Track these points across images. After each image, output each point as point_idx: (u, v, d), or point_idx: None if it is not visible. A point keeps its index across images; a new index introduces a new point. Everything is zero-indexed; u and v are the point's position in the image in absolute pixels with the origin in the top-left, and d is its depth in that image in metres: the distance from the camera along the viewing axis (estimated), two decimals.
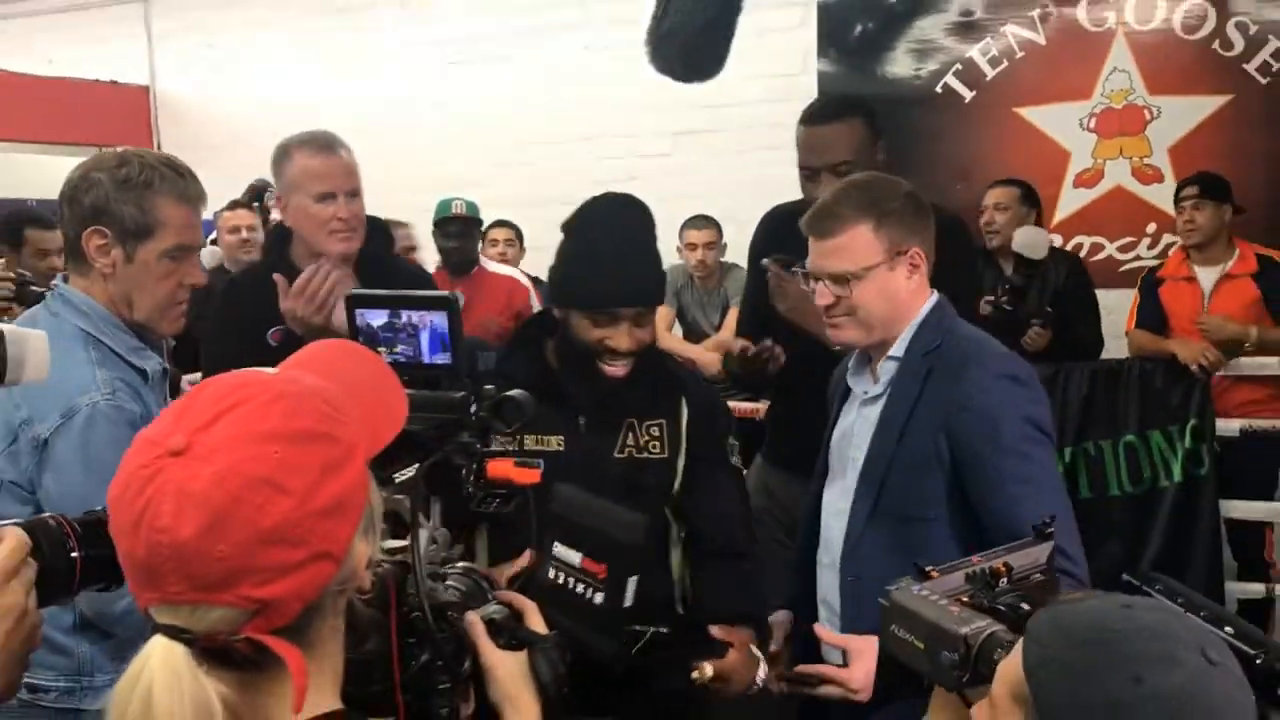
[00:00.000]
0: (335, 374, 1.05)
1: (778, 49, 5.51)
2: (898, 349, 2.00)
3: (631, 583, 1.75)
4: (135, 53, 6.92)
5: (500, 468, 1.37)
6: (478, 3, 6.32)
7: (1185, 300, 4.24)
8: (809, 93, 5.06)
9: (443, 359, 1.35)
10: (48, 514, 1.16)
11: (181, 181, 1.96)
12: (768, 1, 5.34)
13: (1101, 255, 5.09)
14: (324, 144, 2.55)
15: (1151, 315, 4.28)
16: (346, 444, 0.97)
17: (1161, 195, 4.94)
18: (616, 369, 2.06)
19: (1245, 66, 4.87)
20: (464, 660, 1.26)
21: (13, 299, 3.43)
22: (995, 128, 5.28)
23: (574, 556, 1.75)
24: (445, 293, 1.27)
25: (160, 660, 0.89)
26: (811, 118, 2.69)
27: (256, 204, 4.84)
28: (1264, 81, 4.83)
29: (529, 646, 1.29)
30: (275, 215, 4.73)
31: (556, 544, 1.79)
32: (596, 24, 5.98)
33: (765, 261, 2.61)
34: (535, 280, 4.78)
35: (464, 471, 1.34)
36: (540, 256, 4.61)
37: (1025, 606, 1.30)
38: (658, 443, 2.12)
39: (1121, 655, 1.06)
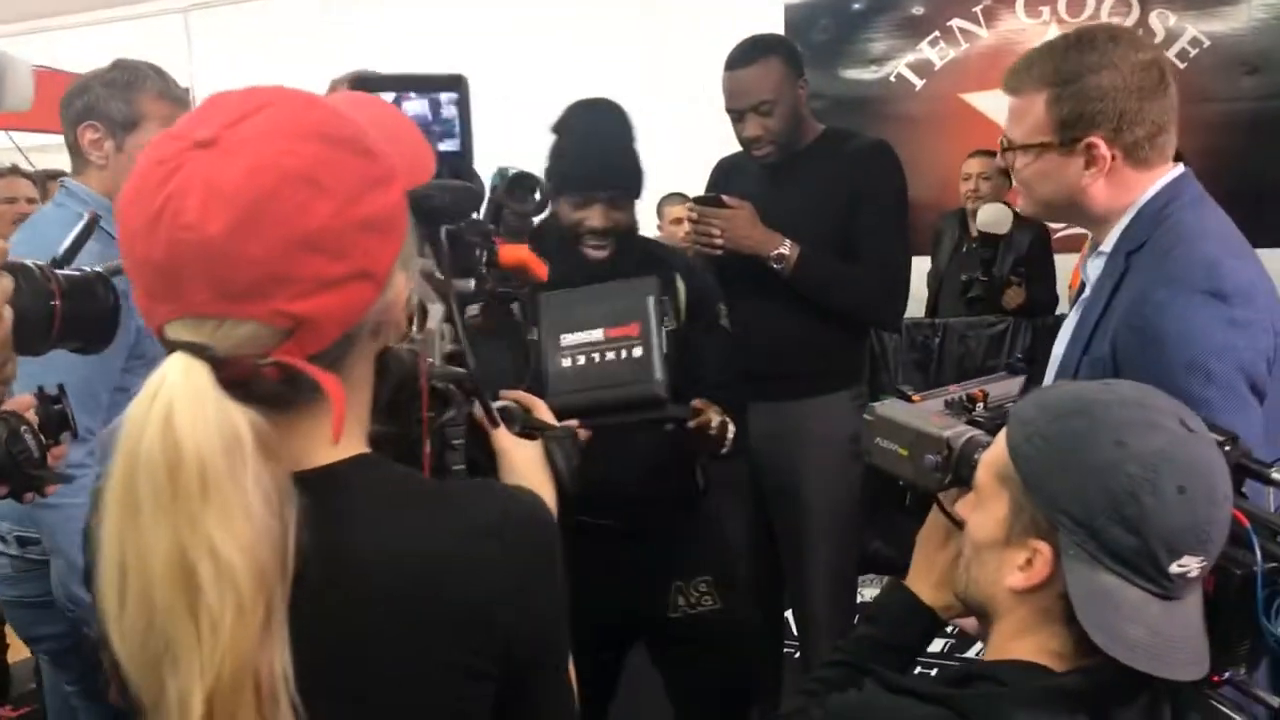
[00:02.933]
0: (361, 114, 0.91)
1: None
2: (1107, 243, 1.65)
3: (665, 333, 1.78)
4: (177, 59, 6.81)
5: (514, 253, 1.30)
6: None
7: None
8: None
9: (451, 146, 1.23)
10: (30, 260, 1.08)
11: (164, 82, 2.13)
12: (738, 6, 5.73)
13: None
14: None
15: None
16: (386, 166, 0.86)
17: None
18: (597, 251, 2.13)
19: (1166, 53, 5.10)
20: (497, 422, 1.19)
21: None
22: (943, 113, 5.65)
23: (593, 334, 1.77)
24: (455, 73, 1.21)
25: (180, 376, 0.78)
26: (732, 62, 2.72)
27: None
28: (1182, 66, 5.14)
29: (542, 435, 1.23)
30: None
31: (563, 336, 1.81)
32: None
33: (688, 206, 2.68)
34: None
35: (478, 252, 1.27)
36: None
37: (1002, 422, 1.25)
38: (669, 317, 2.09)
39: (1104, 422, 1.07)
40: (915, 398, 1.39)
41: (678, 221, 5.53)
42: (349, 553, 0.84)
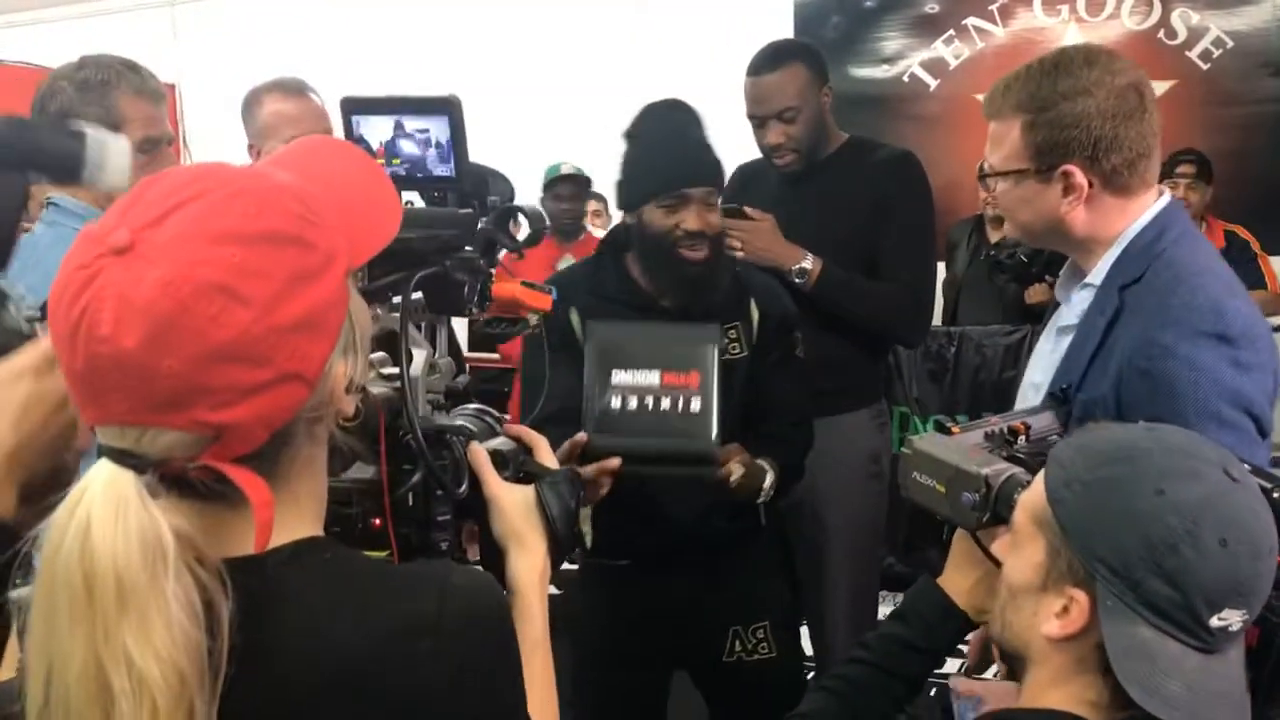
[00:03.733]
0: (317, 172, 0.90)
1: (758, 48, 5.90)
2: (1095, 275, 1.58)
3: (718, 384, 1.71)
4: (162, 53, 6.81)
5: (507, 289, 1.25)
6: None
7: None
8: None
9: (445, 171, 1.20)
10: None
11: (138, 77, 1.98)
12: (748, 3, 5.68)
13: None
14: (295, 88, 2.48)
15: None
16: (323, 251, 0.83)
17: None
18: (695, 253, 2.02)
19: (1188, 54, 5.10)
20: (461, 482, 1.14)
21: None
22: (958, 114, 5.48)
23: (649, 376, 1.72)
24: (446, 95, 1.18)
25: (103, 487, 0.78)
26: (755, 68, 2.65)
27: None
28: (1205, 67, 5.06)
29: (536, 480, 1.18)
30: None
31: (615, 372, 1.76)
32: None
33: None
34: None
35: (466, 289, 1.21)
36: None
37: (1043, 458, 1.21)
38: (737, 344, 2.10)
39: (1145, 470, 1.05)
40: (954, 429, 1.35)
41: None
42: (272, 651, 0.83)
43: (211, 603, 0.79)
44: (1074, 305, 1.63)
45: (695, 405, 1.74)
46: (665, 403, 1.74)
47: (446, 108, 1.19)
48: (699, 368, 1.77)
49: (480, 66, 6.30)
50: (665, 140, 2.09)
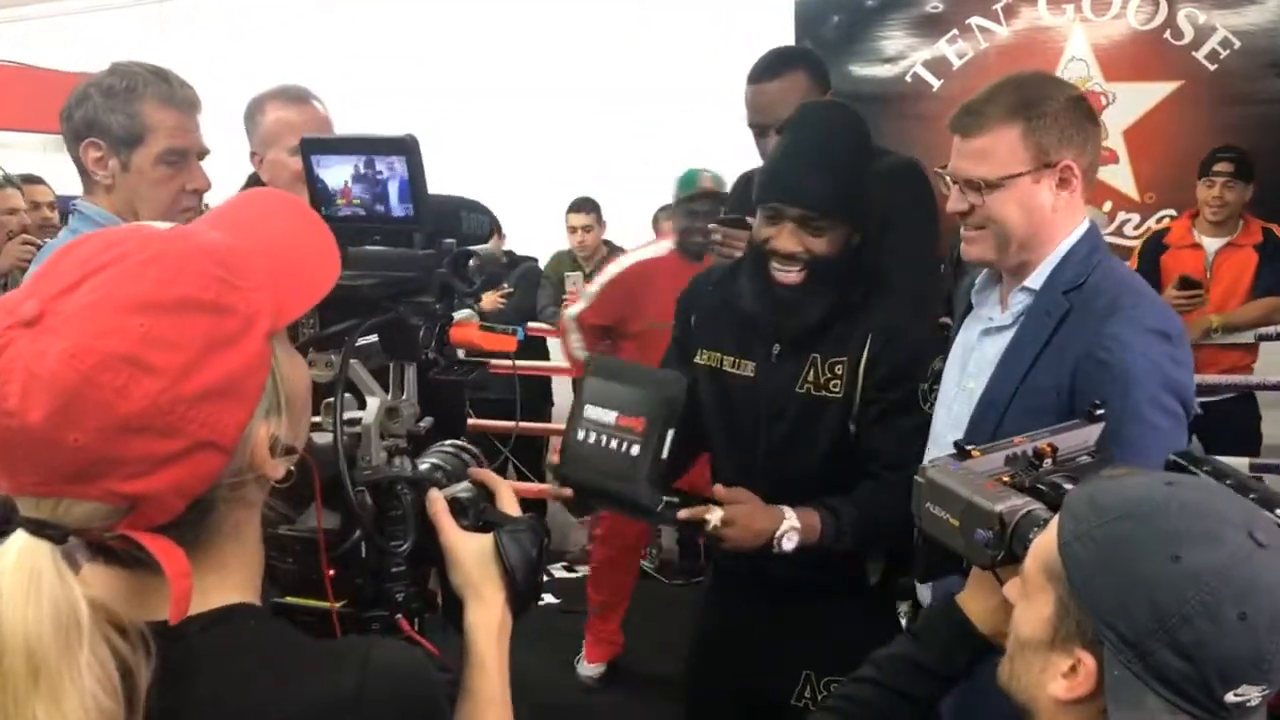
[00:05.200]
0: (248, 230, 0.89)
1: (760, 49, 5.82)
2: (1035, 280, 1.72)
3: (669, 435, 1.73)
4: (150, 50, 6.98)
5: (464, 333, 1.23)
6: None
7: (1187, 265, 4.34)
8: None
9: (403, 212, 1.18)
10: None
11: (167, 86, 1.93)
12: (747, 1, 5.62)
13: None
14: (297, 95, 2.46)
15: (1146, 278, 4.50)
16: (243, 315, 0.82)
17: (1116, 175, 5.14)
18: (786, 275, 1.92)
19: (1195, 54, 4.99)
20: (408, 535, 1.13)
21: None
22: None
23: (608, 415, 1.76)
24: (403, 134, 1.16)
25: (17, 559, 0.77)
26: (756, 76, 2.63)
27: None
28: (1212, 68, 4.95)
29: (495, 528, 1.14)
30: None
31: (588, 406, 1.79)
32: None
33: (711, 226, 2.56)
34: None
35: (421, 334, 1.19)
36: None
37: (1068, 486, 1.18)
38: (838, 381, 1.95)
39: (1160, 531, 0.97)
40: (975, 452, 1.27)
41: None
42: (192, 719, 0.82)
43: (130, 671, 0.79)
44: (1011, 308, 1.75)
45: (634, 450, 1.74)
46: (614, 443, 1.75)
47: (404, 148, 1.16)
48: (646, 415, 1.75)
49: (476, 67, 6.29)
50: (792, 147, 1.97)
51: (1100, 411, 1.39)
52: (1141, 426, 1.56)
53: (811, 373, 1.97)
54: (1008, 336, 1.74)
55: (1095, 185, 1.69)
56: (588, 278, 5.35)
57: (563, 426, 1.88)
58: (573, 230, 5.62)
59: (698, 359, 2.08)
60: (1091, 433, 1.38)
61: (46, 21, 7.30)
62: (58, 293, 0.78)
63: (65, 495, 0.78)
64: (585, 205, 5.63)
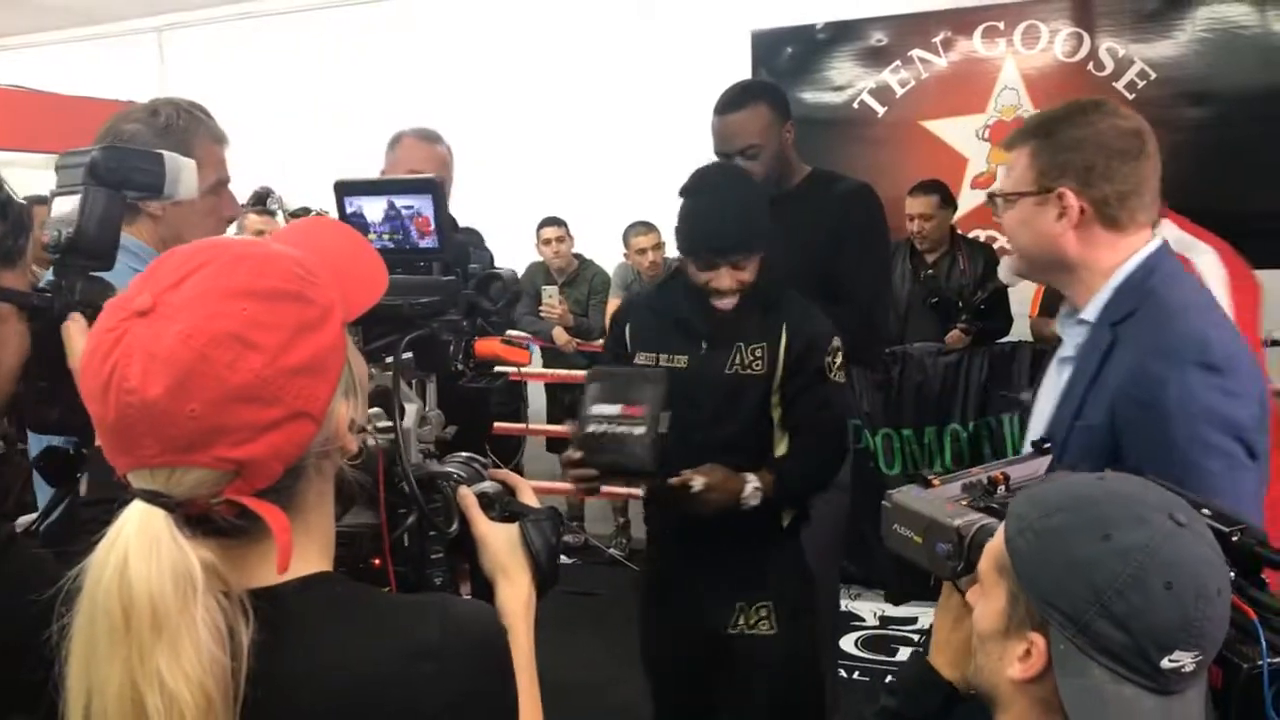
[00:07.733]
0: (308, 243, 0.99)
1: (718, 76, 5.95)
2: (1089, 311, 1.65)
3: (664, 416, 2.15)
4: (147, 74, 7.02)
5: (488, 346, 1.35)
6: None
7: None
8: None
9: (429, 243, 1.31)
10: None
11: (212, 123, 2.02)
12: (707, 33, 5.82)
13: (996, 245, 5.43)
14: (428, 135, 2.89)
15: (1053, 303, 4.63)
16: (321, 305, 0.91)
17: None
18: (724, 304, 2.30)
19: (1115, 85, 5.31)
20: (452, 522, 1.22)
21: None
22: (904, 138, 5.75)
23: (614, 409, 2.17)
24: (429, 175, 1.23)
25: (137, 526, 0.84)
26: (722, 108, 2.77)
27: (259, 207, 5.30)
28: (1130, 97, 5.24)
29: (520, 518, 1.25)
30: (280, 218, 5.34)
31: (594, 405, 2.20)
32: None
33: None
34: None
35: (451, 348, 1.31)
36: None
37: None
38: (760, 362, 2.32)
39: (1092, 517, 1.05)
40: (935, 481, 1.37)
41: (643, 251, 5.67)
42: (287, 674, 0.88)
43: (234, 629, 0.86)
44: (1071, 339, 1.69)
45: (639, 430, 2.15)
46: (620, 428, 2.16)
47: (430, 187, 1.31)
48: (644, 402, 2.16)
49: (476, 77, 6.40)
50: (704, 207, 2.29)
51: (1047, 445, 1.47)
52: (1188, 471, 1.39)
53: (738, 357, 2.33)
54: (1069, 370, 1.68)
55: (1143, 215, 1.66)
56: (562, 289, 5.73)
57: (537, 427, 2.26)
58: (546, 243, 5.85)
59: (638, 360, 2.42)
60: (1041, 464, 1.47)
61: (47, 49, 7.35)
62: (166, 288, 0.86)
63: (180, 464, 0.85)
64: (554, 221, 5.88)
